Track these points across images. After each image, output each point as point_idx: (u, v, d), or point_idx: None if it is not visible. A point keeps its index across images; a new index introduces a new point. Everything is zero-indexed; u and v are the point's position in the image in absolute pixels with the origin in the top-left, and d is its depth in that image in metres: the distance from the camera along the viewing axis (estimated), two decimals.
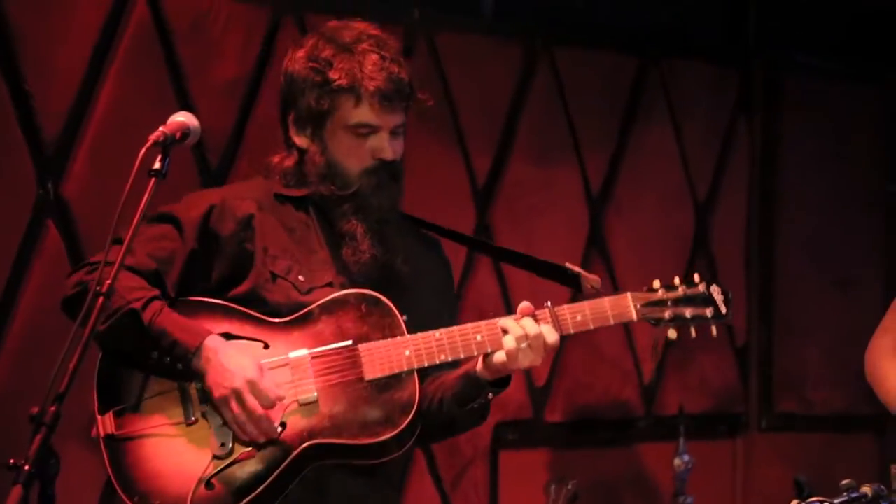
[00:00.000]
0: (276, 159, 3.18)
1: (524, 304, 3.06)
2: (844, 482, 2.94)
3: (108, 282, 2.72)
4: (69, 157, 4.28)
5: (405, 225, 3.21)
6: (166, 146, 2.86)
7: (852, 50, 6.18)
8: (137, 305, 2.97)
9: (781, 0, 6.03)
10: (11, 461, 2.56)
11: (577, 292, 3.21)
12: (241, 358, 2.98)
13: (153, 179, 2.83)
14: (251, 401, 2.95)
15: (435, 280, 3.23)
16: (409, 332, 3.04)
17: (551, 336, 3.02)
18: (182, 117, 2.94)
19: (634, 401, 5.71)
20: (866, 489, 2.93)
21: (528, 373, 5.41)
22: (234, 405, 2.95)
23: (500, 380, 3.06)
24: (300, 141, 3.13)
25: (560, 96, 5.50)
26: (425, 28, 5.09)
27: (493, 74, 5.34)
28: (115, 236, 2.87)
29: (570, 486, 4.71)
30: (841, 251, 6.19)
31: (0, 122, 4.15)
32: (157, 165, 2.84)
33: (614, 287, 5.61)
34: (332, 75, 3.07)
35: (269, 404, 2.97)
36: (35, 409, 2.60)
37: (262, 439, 2.97)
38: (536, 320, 3.02)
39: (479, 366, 3.04)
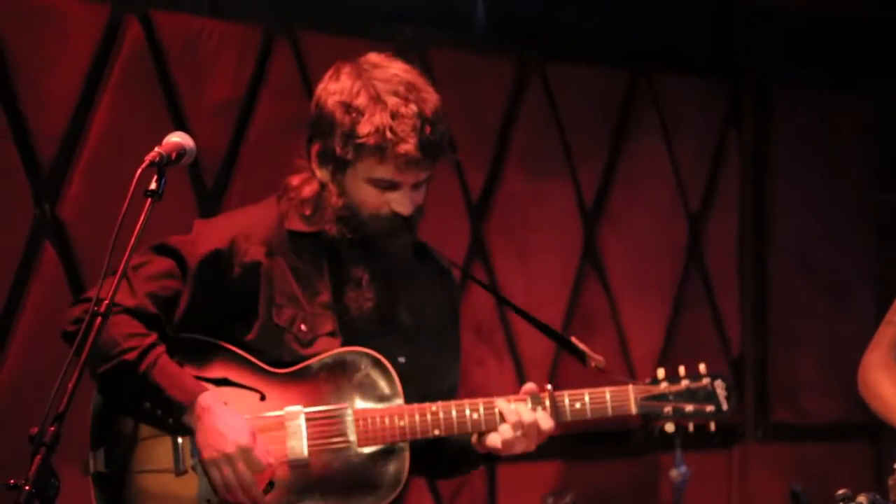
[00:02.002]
0: (295, 181, 3.09)
1: (529, 385, 3.07)
2: (840, 491, 2.95)
3: (106, 301, 2.73)
4: (65, 179, 4.29)
5: (414, 260, 3.13)
6: (162, 167, 2.86)
7: (840, 61, 6.21)
8: (132, 357, 2.93)
9: (769, 13, 6.06)
10: (11, 481, 2.56)
11: (583, 364, 3.22)
12: (233, 420, 2.93)
13: (149, 200, 2.82)
14: (241, 468, 2.91)
15: (437, 322, 3.17)
16: (405, 374, 3.02)
17: (546, 423, 3.03)
18: (177, 138, 2.93)
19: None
20: (862, 498, 2.94)
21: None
22: (224, 469, 2.92)
23: (492, 454, 3.08)
24: (321, 175, 3.05)
25: (552, 111, 5.53)
26: (418, 44, 5.11)
27: (485, 90, 5.36)
28: (110, 268, 2.84)
29: (568, 499, 4.73)
30: (833, 261, 6.21)
31: None
32: (153, 186, 2.83)
33: (610, 303, 5.64)
34: (361, 130, 2.95)
35: (260, 470, 2.93)
36: (35, 430, 2.60)
37: None
38: (533, 406, 3.03)
39: (473, 438, 3.05)
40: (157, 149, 2.88)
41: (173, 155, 2.90)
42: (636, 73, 5.76)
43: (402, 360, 3.04)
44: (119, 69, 4.39)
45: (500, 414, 3.01)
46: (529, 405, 3.05)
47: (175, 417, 2.94)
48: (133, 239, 2.80)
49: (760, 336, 6.08)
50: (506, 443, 3.01)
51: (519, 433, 3.00)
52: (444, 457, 3.12)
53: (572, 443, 5.57)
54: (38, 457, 2.58)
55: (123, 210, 2.77)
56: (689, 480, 5.28)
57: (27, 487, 2.55)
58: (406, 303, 3.08)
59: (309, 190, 3.07)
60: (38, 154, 4.24)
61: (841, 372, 6.18)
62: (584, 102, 5.62)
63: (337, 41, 4.69)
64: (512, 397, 3.05)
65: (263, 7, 4.74)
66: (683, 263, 5.91)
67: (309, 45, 4.79)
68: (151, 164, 2.85)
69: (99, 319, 2.71)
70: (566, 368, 5.53)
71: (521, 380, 5.40)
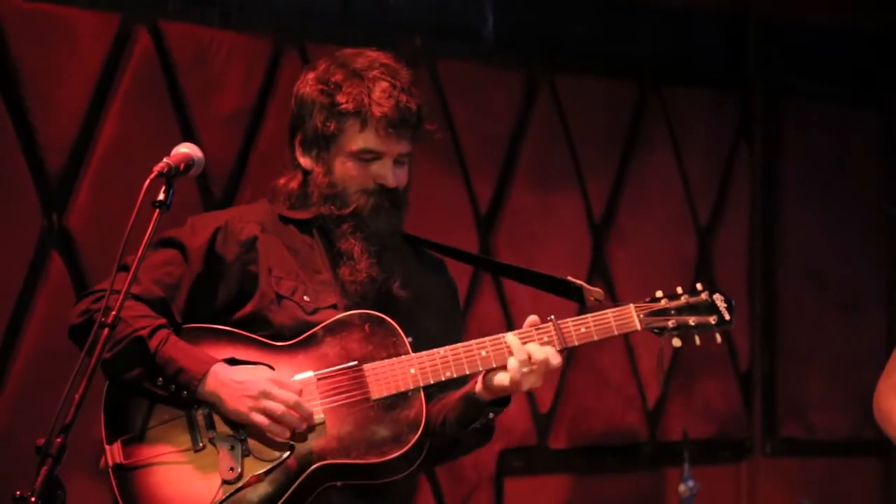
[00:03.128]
0: (281, 181, 3.20)
1: (532, 318, 3.07)
2: None
3: (114, 312, 2.73)
4: (73, 189, 4.30)
5: (407, 248, 3.21)
6: (170, 177, 2.88)
7: (851, 74, 6.20)
8: (144, 333, 2.98)
9: (780, 26, 6.05)
10: (18, 493, 2.56)
11: (581, 306, 3.21)
12: (250, 370, 3.00)
13: (157, 210, 2.85)
14: (281, 392, 2.96)
15: (438, 303, 3.23)
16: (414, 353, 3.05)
17: (555, 359, 3.03)
18: (186, 148, 2.96)
19: (639, 426, 5.71)
20: None
21: (532, 399, 5.41)
22: (266, 405, 2.95)
23: (501, 399, 3.07)
24: (305, 162, 3.15)
25: (561, 123, 5.52)
26: (427, 56, 5.11)
27: (494, 102, 5.36)
28: (121, 262, 2.90)
29: None
30: (843, 275, 6.19)
31: (5, 154, 4.17)
32: (161, 196, 2.86)
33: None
34: (340, 98, 3.09)
35: (298, 390, 2.97)
36: (41, 441, 2.60)
37: (304, 426, 2.97)
38: (541, 340, 3.03)
39: (479, 386, 3.05)
40: (165, 159, 2.91)
41: (182, 166, 2.92)
42: (646, 85, 5.75)
43: (410, 339, 3.07)
44: (128, 79, 4.40)
45: (509, 349, 3.02)
46: (536, 342, 3.04)
47: (189, 391, 2.97)
48: (141, 250, 2.82)
49: (769, 350, 6.07)
50: (513, 379, 3.00)
51: (526, 370, 3.00)
52: (456, 423, 3.09)
53: (580, 456, 5.56)
54: (45, 468, 2.58)
55: (131, 220, 2.79)
56: (697, 495, 5.26)
57: (33, 499, 2.55)
58: (400, 278, 3.13)
59: (294, 182, 3.18)
60: (46, 164, 4.24)
61: (850, 387, 6.19)
62: (593, 115, 5.61)
63: None
64: (518, 332, 3.06)
65: (273, 18, 4.74)
66: (692, 276, 5.90)
67: (317, 57, 4.75)
68: (160, 174, 2.88)
69: (106, 331, 2.72)
70: (574, 379, 5.52)
71: (529, 394, 5.39)
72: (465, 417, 3.08)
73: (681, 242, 5.86)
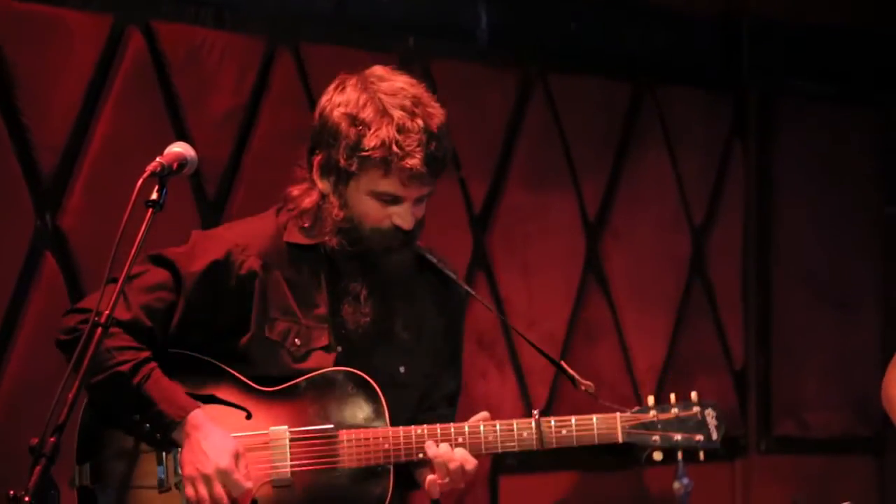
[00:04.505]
0: (295, 192, 3.08)
1: (483, 414, 3.06)
2: None
3: (107, 312, 2.72)
4: (66, 189, 4.29)
5: (414, 269, 3.12)
6: (163, 177, 2.87)
7: (846, 73, 6.20)
8: (125, 368, 2.93)
9: (775, 25, 6.05)
10: (11, 493, 2.56)
11: (574, 386, 3.22)
12: (219, 441, 2.94)
13: (150, 210, 2.83)
14: (218, 490, 2.92)
15: (438, 332, 3.16)
16: (404, 382, 3.03)
17: (469, 465, 3.01)
18: (179, 148, 2.94)
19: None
20: None
21: (526, 398, 5.41)
22: (200, 488, 2.92)
23: None
24: (322, 186, 3.04)
25: (555, 123, 5.52)
26: (420, 55, 5.11)
27: (488, 101, 5.35)
28: (110, 277, 2.86)
29: None
30: (838, 274, 6.19)
31: None
32: (154, 196, 2.84)
33: (612, 311, 5.63)
34: (367, 143, 2.94)
35: (240, 493, 2.93)
36: (34, 440, 2.60)
37: None
38: (520, 436, 3.04)
39: (413, 470, 3.05)
40: (158, 159, 2.89)
41: (175, 165, 2.90)
42: (640, 85, 5.75)
43: (402, 369, 3.04)
44: (121, 79, 4.39)
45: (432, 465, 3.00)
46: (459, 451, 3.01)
47: (164, 433, 2.94)
48: (134, 249, 2.81)
49: (764, 349, 6.07)
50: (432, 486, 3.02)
51: (446, 480, 3.01)
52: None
53: (575, 454, 5.54)
54: (38, 468, 2.57)
55: (124, 220, 2.77)
56: (692, 493, 5.26)
57: (27, 499, 2.54)
58: (404, 318, 3.08)
59: (309, 201, 3.06)
60: (39, 164, 4.24)
61: (845, 386, 6.20)
62: (587, 114, 5.61)
63: (339, 52, 4.69)
64: (498, 423, 3.05)
65: (266, 18, 4.74)
66: (686, 276, 5.90)
67: (311, 56, 4.79)
68: (153, 174, 2.86)
69: (99, 331, 2.71)
70: (567, 381, 5.51)
71: (523, 391, 5.39)
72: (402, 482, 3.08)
73: (675, 241, 5.86)
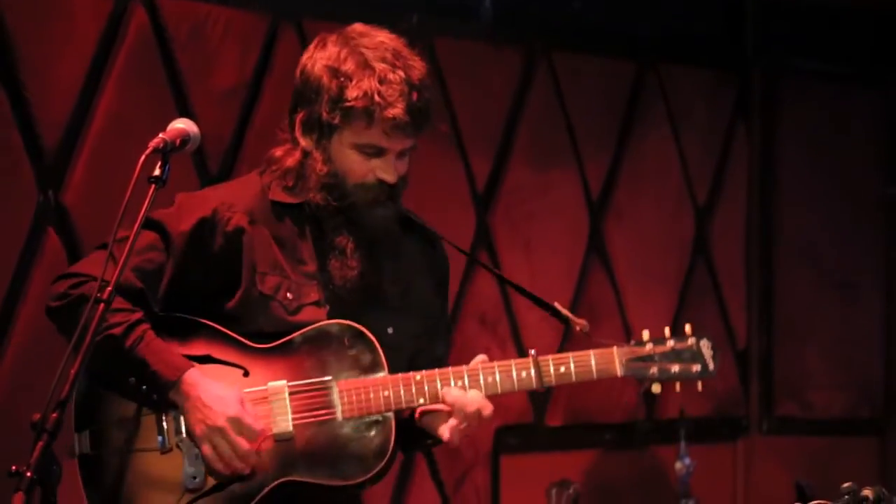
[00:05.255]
0: (278, 153, 3.09)
1: (480, 357, 3.05)
2: (846, 485, 2.93)
3: (110, 288, 2.71)
4: (69, 165, 4.29)
5: (400, 230, 3.12)
6: (166, 153, 2.85)
7: (850, 53, 6.19)
8: (118, 332, 2.92)
9: (779, 4, 6.03)
10: (13, 468, 2.55)
11: (567, 328, 3.20)
12: (220, 391, 2.93)
13: (153, 186, 2.82)
14: (235, 438, 2.92)
15: (425, 291, 3.16)
16: (394, 343, 3.02)
17: (486, 411, 3.00)
18: (182, 124, 2.93)
19: (635, 404, 5.71)
20: (868, 492, 2.92)
21: None
22: (218, 443, 2.91)
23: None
24: (305, 143, 3.05)
25: (559, 101, 5.51)
26: (424, 33, 5.08)
27: (492, 79, 5.34)
28: (102, 242, 2.87)
29: (571, 491, 4.72)
30: (841, 254, 6.19)
31: (0, 131, 4.16)
32: (156, 172, 2.83)
33: (615, 291, 5.63)
34: (349, 94, 2.96)
35: (254, 438, 2.93)
36: (37, 416, 2.59)
37: (246, 472, 2.94)
38: (517, 368, 3.02)
39: (419, 424, 3.03)
40: (161, 135, 2.87)
41: (177, 141, 2.89)
42: (644, 64, 5.74)
43: (390, 330, 3.03)
44: (124, 55, 4.38)
45: (449, 409, 2.98)
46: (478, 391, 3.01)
47: (160, 393, 2.94)
48: (136, 225, 2.80)
49: (766, 329, 6.07)
50: (451, 441, 3.01)
51: (464, 426, 2.99)
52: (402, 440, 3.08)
53: (576, 434, 5.56)
54: (40, 443, 2.57)
55: (127, 196, 2.76)
56: (694, 473, 5.28)
57: (29, 474, 2.54)
58: (391, 273, 3.07)
59: (292, 160, 3.07)
60: (42, 140, 4.23)
61: (847, 366, 6.20)
62: (591, 93, 5.60)
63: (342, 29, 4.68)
64: (496, 364, 3.03)
65: None
66: (690, 256, 5.90)
67: (314, 33, 4.69)
68: (155, 150, 2.85)
69: (101, 307, 2.70)
70: None
71: None
72: (406, 441, 3.06)
73: (678, 221, 5.86)
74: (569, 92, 5.52)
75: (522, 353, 5.37)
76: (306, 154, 3.05)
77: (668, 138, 5.81)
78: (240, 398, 2.94)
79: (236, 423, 2.92)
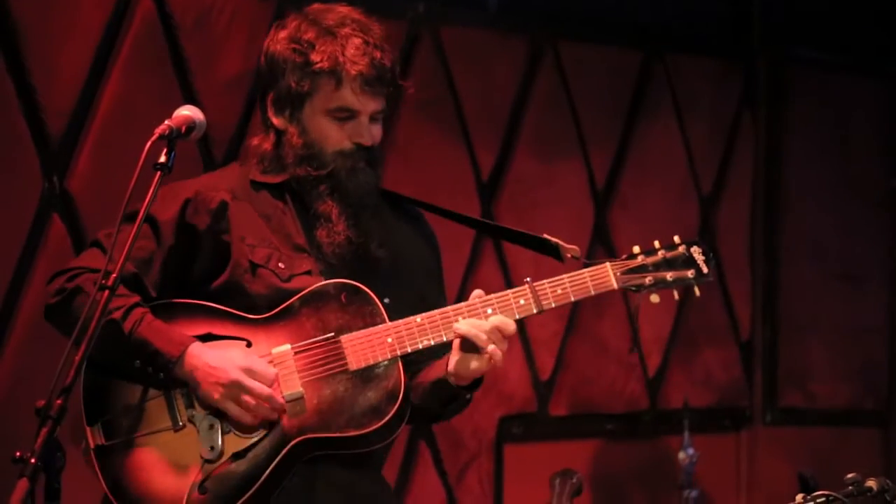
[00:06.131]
0: (254, 141, 3.14)
1: (477, 291, 3.04)
2: (850, 476, 2.94)
3: (114, 276, 2.72)
4: (74, 152, 4.29)
5: (384, 206, 3.16)
6: (171, 140, 2.86)
7: (857, 44, 6.17)
8: (118, 315, 2.94)
9: None
10: (17, 454, 2.56)
11: (559, 260, 3.17)
12: (225, 352, 2.97)
13: (158, 173, 2.83)
14: (254, 385, 2.94)
15: (417, 261, 3.19)
16: (392, 315, 3.02)
17: (509, 329, 2.99)
18: (187, 111, 2.94)
19: (639, 394, 5.71)
20: (872, 483, 2.93)
21: (532, 367, 5.41)
22: (240, 396, 2.94)
23: (476, 380, 3.05)
24: (278, 122, 3.10)
25: (565, 91, 5.50)
26: (430, 22, 5.09)
27: (497, 68, 5.34)
28: (95, 238, 2.91)
29: (574, 480, 4.71)
30: (846, 246, 6.19)
31: (5, 116, 4.16)
32: (162, 159, 2.84)
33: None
34: (314, 57, 3.03)
35: (271, 381, 2.96)
36: (41, 402, 2.60)
37: (275, 416, 2.96)
38: (514, 295, 3.01)
39: (452, 378, 3.01)
40: (166, 122, 2.89)
41: (183, 128, 2.90)
42: (650, 53, 5.73)
43: (386, 300, 3.04)
44: (130, 43, 4.38)
45: (469, 340, 2.96)
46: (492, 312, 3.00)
47: (166, 372, 2.96)
48: (142, 212, 2.80)
49: (770, 320, 6.07)
50: (482, 367, 2.98)
51: (491, 347, 2.97)
52: (434, 403, 3.08)
53: (580, 424, 5.56)
54: (45, 430, 2.57)
55: (132, 183, 2.77)
56: (697, 463, 5.27)
57: (33, 460, 2.54)
58: (378, 237, 3.09)
59: (268, 143, 3.12)
60: (47, 127, 4.23)
61: (851, 357, 6.20)
62: (597, 83, 5.59)
63: None
64: (493, 296, 3.02)
65: None
66: None
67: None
68: (161, 137, 2.86)
69: (106, 293, 2.70)
70: (575, 347, 5.52)
71: (530, 361, 5.39)
72: (444, 399, 3.07)
73: (683, 211, 5.85)
74: (574, 81, 5.52)
75: (526, 343, 5.39)
76: (280, 133, 3.10)
77: (673, 128, 5.81)
78: (245, 353, 2.98)
79: (249, 371, 2.95)
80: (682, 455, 5.26)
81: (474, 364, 2.99)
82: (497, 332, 2.98)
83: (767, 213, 6.09)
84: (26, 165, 4.21)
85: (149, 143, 2.82)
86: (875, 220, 6.27)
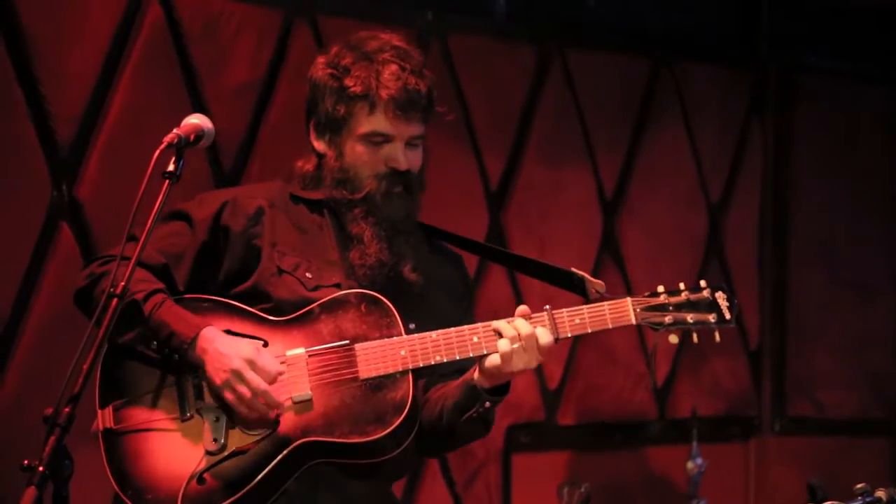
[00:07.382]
0: (298, 163, 3.21)
1: (521, 307, 3.06)
2: (859, 486, 2.93)
3: (123, 283, 2.72)
4: (83, 160, 4.29)
5: (420, 236, 3.20)
6: (180, 148, 2.87)
7: (865, 51, 6.17)
8: (139, 297, 3.00)
9: (794, 1, 6.02)
10: (26, 462, 2.56)
11: (585, 299, 3.18)
12: (236, 341, 3.01)
13: (167, 181, 2.84)
14: (252, 377, 2.97)
15: (448, 292, 3.21)
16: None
17: (545, 337, 3.02)
18: (196, 119, 2.95)
19: (647, 403, 5.70)
20: (881, 493, 2.92)
21: (540, 376, 5.41)
22: (237, 386, 2.97)
23: (499, 387, 3.06)
24: (319, 146, 3.17)
25: (573, 99, 5.50)
26: (438, 30, 5.09)
27: (505, 76, 5.34)
28: (130, 233, 2.91)
29: (582, 489, 4.71)
30: (854, 254, 6.18)
31: (15, 124, 4.16)
32: (170, 167, 2.85)
33: (627, 289, 5.62)
34: (348, 82, 3.10)
35: (272, 379, 2.99)
36: (49, 410, 2.60)
37: (271, 415, 2.99)
38: (531, 322, 3.03)
39: (476, 373, 3.04)
40: (175, 130, 2.90)
41: (192, 137, 2.91)
42: (658, 61, 5.73)
43: (412, 326, 3.06)
44: (138, 50, 4.38)
45: (497, 331, 3.01)
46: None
47: (181, 354, 3.00)
48: (150, 221, 2.81)
49: (779, 329, 6.06)
50: (504, 356, 2.99)
51: (517, 346, 2.99)
52: (453, 411, 3.09)
53: (588, 433, 5.55)
54: (53, 438, 2.57)
55: (141, 191, 2.78)
56: (706, 473, 5.27)
57: (41, 468, 2.54)
58: (410, 261, 3.13)
59: (309, 165, 3.19)
60: (56, 134, 4.24)
61: (860, 367, 6.18)
62: (605, 91, 5.59)
63: (356, 25, 4.64)
64: (506, 320, 3.05)
65: None
66: (703, 254, 5.88)
67: (328, 29, 4.77)
68: (169, 145, 2.87)
69: (115, 301, 2.72)
70: (583, 356, 5.51)
71: (538, 370, 5.38)
72: (463, 405, 3.07)
73: (692, 220, 5.85)
74: (582, 89, 5.51)
75: None
76: (321, 157, 3.17)
77: (681, 136, 5.80)
78: (256, 346, 3.01)
79: (251, 363, 2.98)
80: (690, 464, 5.25)
81: (492, 357, 2.99)
82: (533, 338, 2.99)
83: (776, 221, 6.09)
84: (35, 173, 4.21)
85: (157, 152, 2.83)
86: (884, 228, 6.26)
